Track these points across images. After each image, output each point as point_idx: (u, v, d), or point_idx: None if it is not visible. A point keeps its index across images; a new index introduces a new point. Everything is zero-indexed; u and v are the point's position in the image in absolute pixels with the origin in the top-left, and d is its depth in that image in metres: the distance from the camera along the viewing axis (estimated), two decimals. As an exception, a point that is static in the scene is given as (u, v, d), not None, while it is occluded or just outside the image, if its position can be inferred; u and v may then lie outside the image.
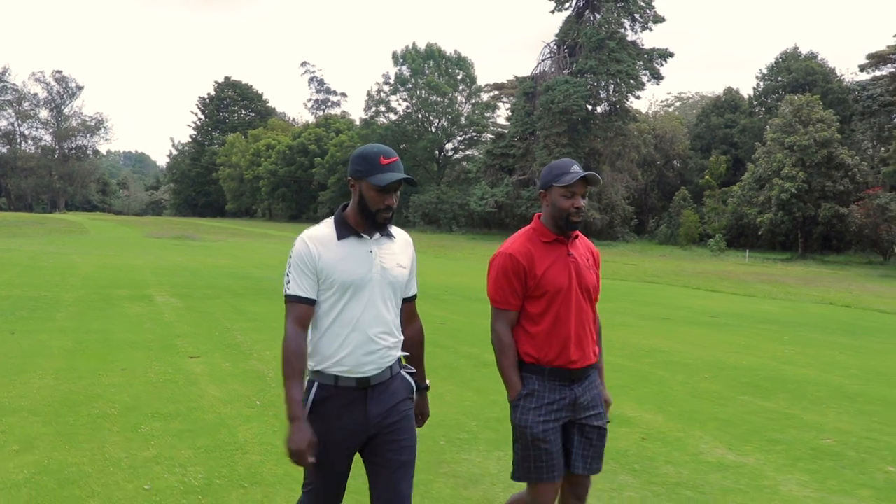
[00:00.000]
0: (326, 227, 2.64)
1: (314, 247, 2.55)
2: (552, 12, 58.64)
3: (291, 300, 2.53)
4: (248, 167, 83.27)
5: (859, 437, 5.74)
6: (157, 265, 19.20)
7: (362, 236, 2.62)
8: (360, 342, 2.55)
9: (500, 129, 65.26)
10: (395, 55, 69.26)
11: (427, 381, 2.91)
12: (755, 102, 64.84)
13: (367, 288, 2.58)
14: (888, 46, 48.71)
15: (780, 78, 61.46)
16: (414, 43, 69.74)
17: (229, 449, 4.68)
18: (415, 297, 2.85)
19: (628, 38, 55.54)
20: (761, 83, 64.31)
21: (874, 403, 6.89)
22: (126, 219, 67.85)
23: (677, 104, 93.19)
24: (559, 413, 2.88)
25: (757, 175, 48.92)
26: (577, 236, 3.03)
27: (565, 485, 2.97)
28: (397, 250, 2.72)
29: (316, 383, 2.56)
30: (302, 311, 2.52)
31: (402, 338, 2.74)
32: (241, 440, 4.87)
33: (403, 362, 2.80)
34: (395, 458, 2.58)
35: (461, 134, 69.52)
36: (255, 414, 5.53)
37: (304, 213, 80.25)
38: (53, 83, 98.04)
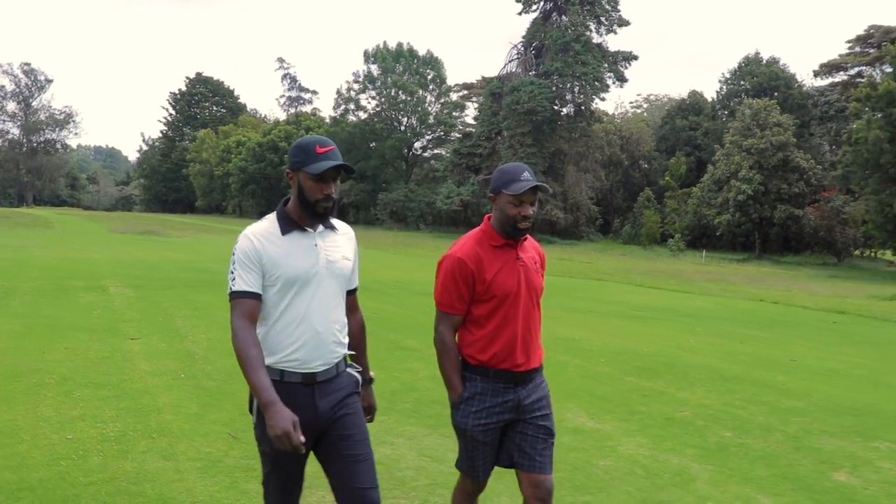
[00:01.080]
0: (269, 222, 2.62)
1: (258, 242, 2.54)
2: (519, 14, 59.65)
3: (237, 296, 2.50)
4: (218, 163, 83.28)
5: (714, 410, 6.57)
6: (116, 259, 19.75)
7: (306, 230, 2.61)
8: (308, 337, 2.55)
9: (468, 129, 66.08)
10: (366, 53, 69.84)
11: (371, 374, 2.92)
12: (718, 106, 66.35)
13: (314, 282, 2.58)
14: (839, 55, 50.22)
15: (742, 82, 62.96)
16: (385, 42, 70.27)
17: (147, 410, 5.42)
18: (356, 289, 2.88)
19: (594, 41, 56.67)
20: (724, 87, 65.84)
21: (743, 384, 7.74)
22: (94, 214, 67.77)
23: (646, 106, 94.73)
24: (501, 415, 2.92)
25: (716, 177, 50.26)
26: (525, 238, 3.02)
27: (527, 489, 2.94)
28: (342, 242, 2.72)
29: None
30: (249, 305, 2.49)
31: (347, 333, 2.75)
32: (160, 404, 5.61)
33: (349, 360, 2.80)
34: (350, 454, 2.58)
35: (429, 133, 70.27)
36: (178, 384, 6.27)
37: (275, 210, 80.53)
38: (21, 76, 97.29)
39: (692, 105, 68.23)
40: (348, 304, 2.79)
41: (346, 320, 2.74)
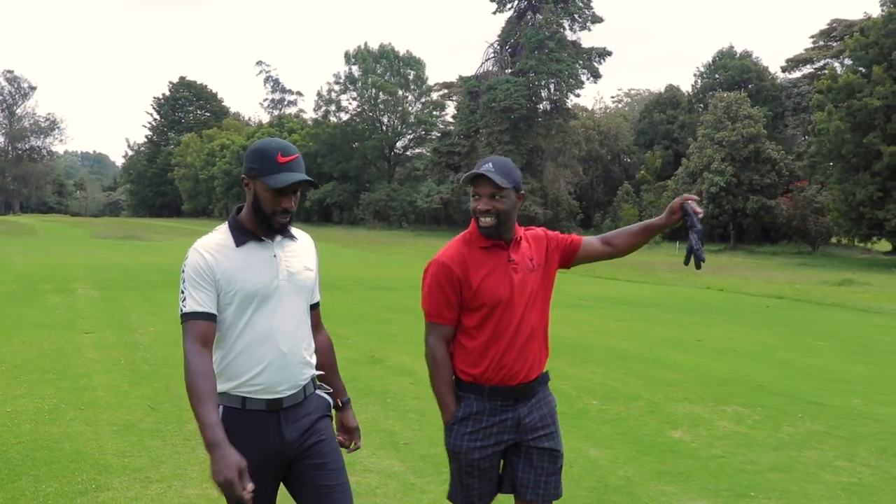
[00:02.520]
0: (221, 234, 2.39)
1: (210, 256, 2.31)
2: (494, 13, 60.51)
3: (188, 318, 2.26)
4: (202, 167, 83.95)
5: (593, 383, 7.41)
6: (92, 263, 20.54)
7: (263, 240, 2.39)
8: (272, 359, 2.33)
9: (448, 128, 66.96)
10: (346, 54, 70.65)
11: (346, 395, 2.71)
12: (694, 100, 67.36)
13: (275, 297, 2.36)
14: (805, 49, 51.22)
15: (716, 76, 63.98)
16: (366, 43, 71.15)
17: (83, 389, 6.27)
18: (318, 304, 2.64)
19: (568, 38, 57.60)
20: (699, 81, 66.85)
21: (636, 361, 8.60)
22: (79, 220, 68.38)
23: (627, 101, 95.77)
24: (500, 436, 2.68)
25: (689, 170, 51.25)
26: (520, 238, 2.76)
27: None
28: (302, 252, 2.51)
29: (221, 407, 2.27)
30: (202, 328, 2.26)
31: (314, 352, 2.55)
32: (96, 384, 6.46)
33: (318, 381, 2.57)
34: (323, 485, 2.39)
35: (410, 132, 71.17)
36: (117, 369, 7.12)
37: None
38: (4, 83, 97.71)
39: (669, 99, 69.21)
40: (312, 319, 2.58)
41: (312, 337, 2.54)
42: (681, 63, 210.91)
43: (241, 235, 2.37)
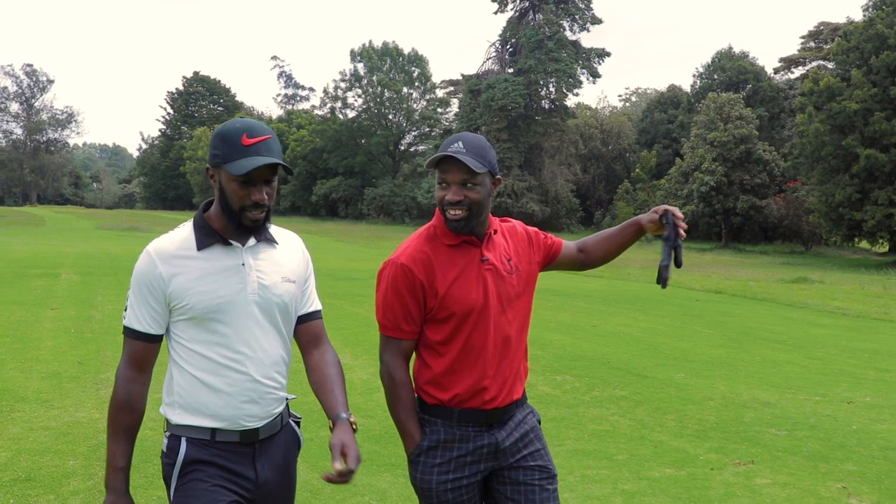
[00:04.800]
0: (183, 232, 2.06)
1: (161, 262, 1.99)
2: (495, 13, 61.82)
3: (127, 334, 2.03)
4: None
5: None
6: (84, 252, 22.20)
7: (231, 244, 2.04)
8: (239, 387, 2.02)
9: (451, 125, 68.39)
10: (352, 52, 72.18)
11: (351, 416, 2.08)
12: (693, 100, 68.31)
13: (241, 314, 2.02)
14: (797, 51, 52.11)
15: (715, 76, 64.94)
16: (371, 41, 72.63)
17: (30, 349, 7.81)
18: (318, 314, 2.27)
19: (569, 39, 58.81)
20: (698, 81, 67.79)
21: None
22: (91, 211, 70.49)
23: (634, 99, 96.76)
24: (476, 467, 2.29)
25: (682, 169, 52.39)
26: (495, 231, 2.36)
27: None
28: (282, 259, 2.14)
29: (184, 440, 2.02)
30: (139, 350, 2.01)
31: (287, 373, 2.19)
32: (42, 346, 8.00)
33: (290, 409, 2.28)
34: None
35: (415, 129, 72.70)
36: (65, 335, 8.66)
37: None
38: (24, 77, 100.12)
39: (670, 98, 70.20)
40: (309, 334, 2.22)
41: (287, 359, 2.17)
42: (695, 60, 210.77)
43: (205, 237, 2.03)
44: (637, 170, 60.14)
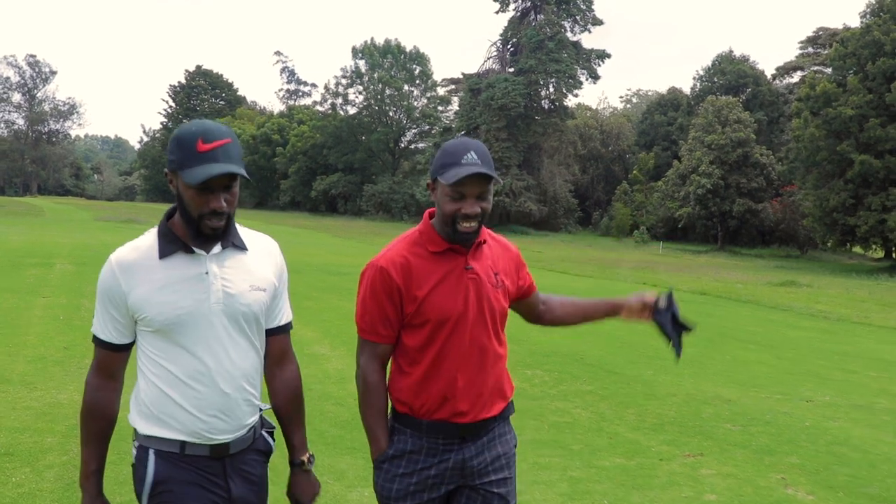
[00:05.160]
0: (147, 240, 1.99)
1: (121, 272, 1.94)
2: (496, 13, 62.08)
3: (94, 341, 2.02)
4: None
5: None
6: (81, 242, 22.45)
7: (194, 251, 1.95)
8: (206, 401, 1.96)
9: (451, 123, 68.64)
10: (353, 49, 72.45)
11: (308, 453, 2.22)
12: (693, 103, 68.49)
13: (205, 324, 1.95)
14: (796, 56, 52.38)
15: (715, 79, 65.14)
16: (372, 38, 72.96)
17: (19, 334, 8.07)
18: (287, 327, 2.21)
19: (570, 39, 59.06)
20: (698, 84, 67.98)
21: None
22: (90, 203, 70.84)
23: (635, 101, 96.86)
24: (438, 479, 2.25)
25: (680, 171, 52.63)
26: (483, 241, 2.31)
27: None
28: (252, 266, 2.05)
29: (151, 452, 1.98)
30: (104, 358, 2.00)
31: (260, 383, 2.13)
32: (30, 332, 8.26)
33: (265, 416, 2.21)
34: None
35: (415, 127, 72.96)
36: (53, 322, 8.93)
37: (268, 201, 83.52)
38: (26, 67, 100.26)
39: (671, 101, 70.38)
40: (275, 349, 2.17)
41: (260, 370, 2.12)
42: (696, 63, 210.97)
43: (168, 244, 1.95)
44: (634, 171, 60.34)
